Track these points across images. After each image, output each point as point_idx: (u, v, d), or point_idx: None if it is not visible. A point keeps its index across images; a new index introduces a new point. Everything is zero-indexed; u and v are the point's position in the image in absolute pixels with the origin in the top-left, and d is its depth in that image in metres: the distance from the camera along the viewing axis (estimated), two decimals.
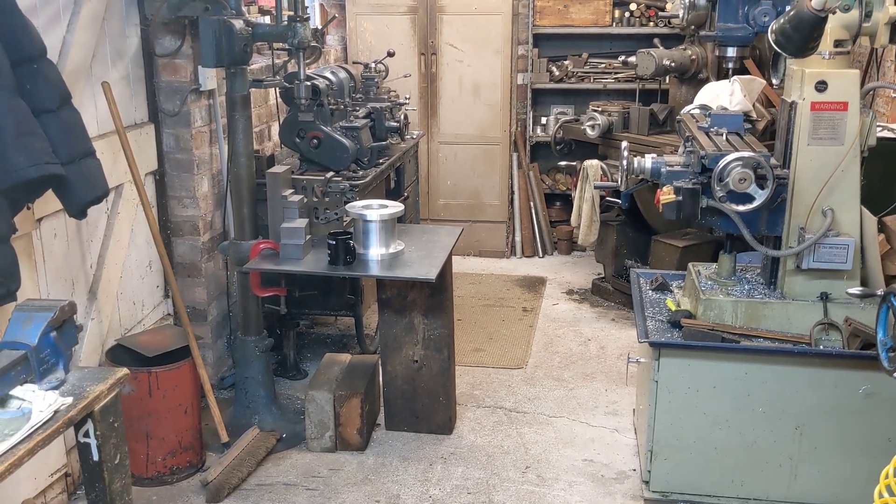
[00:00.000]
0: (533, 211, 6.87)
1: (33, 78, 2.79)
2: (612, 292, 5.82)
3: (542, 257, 6.88)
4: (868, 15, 3.14)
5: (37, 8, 3.24)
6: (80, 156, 2.97)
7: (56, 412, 2.24)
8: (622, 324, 5.46)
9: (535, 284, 6.21)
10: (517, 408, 4.39)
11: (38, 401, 2.22)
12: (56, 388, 2.36)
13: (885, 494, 2.15)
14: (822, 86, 3.23)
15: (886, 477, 2.17)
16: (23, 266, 2.96)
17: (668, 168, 3.40)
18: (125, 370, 2.55)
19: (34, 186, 2.77)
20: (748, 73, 5.25)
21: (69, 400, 2.30)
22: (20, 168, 2.63)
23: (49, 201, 3.10)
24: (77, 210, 3.06)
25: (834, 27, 3.16)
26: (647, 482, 3.57)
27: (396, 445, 4.03)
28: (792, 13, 2.89)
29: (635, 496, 3.61)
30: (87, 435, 2.39)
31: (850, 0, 3.08)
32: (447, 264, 3.87)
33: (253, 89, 3.99)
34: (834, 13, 2.93)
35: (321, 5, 6.56)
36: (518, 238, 6.88)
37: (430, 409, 4.10)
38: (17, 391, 2.26)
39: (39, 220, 3.26)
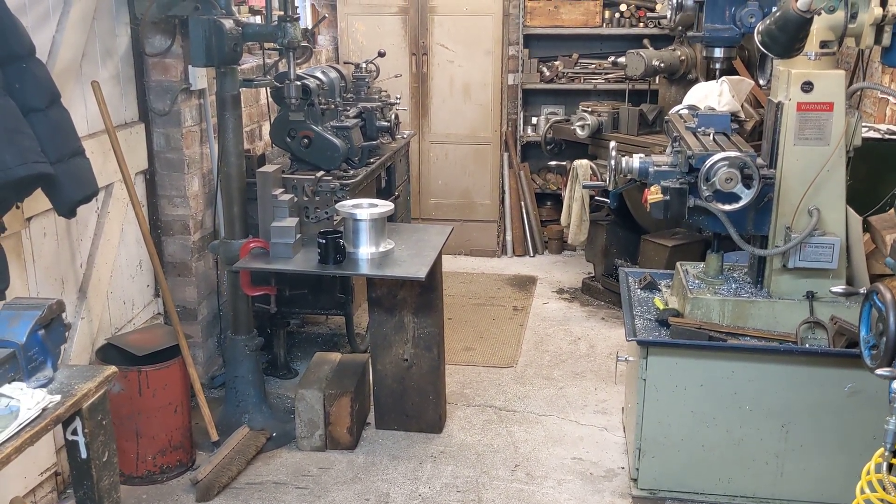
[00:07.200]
0: (523, 210, 6.89)
1: (21, 77, 2.80)
2: (602, 291, 5.84)
3: (533, 256, 6.90)
4: (853, 16, 3.15)
5: (26, 7, 3.24)
6: (69, 155, 2.97)
7: (44, 410, 2.24)
8: (612, 323, 5.48)
9: (525, 283, 6.23)
10: (507, 406, 4.41)
11: (27, 399, 2.23)
12: (44, 385, 2.37)
13: (867, 490, 2.18)
14: (807, 86, 3.25)
15: (868, 473, 2.19)
16: (12, 265, 2.97)
17: (655, 168, 3.42)
18: (113, 368, 2.56)
19: (23, 185, 2.77)
20: (737, 73, 5.27)
21: (57, 398, 2.31)
22: (8, 167, 2.63)
23: (38, 200, 3.10)
24: (66, 209, 3.06)
25: (820, 28, 3.18)
26: (635, 480, 3.59)
27: (386, 444, 4.04)
28: (778, 14, 2.91)
29: (623, 494, 3.63)
30: (75, 433, 2.40)
31: (836, 1, 3.09)
32: (437, 263, 3.88)
33: (244, 89, 4.00)
34: (819, 14, 2.95)
35: (312, 5, 6.56)
36: (509, 237, 6.90)
37: (420, 408, 4.11)
38: (6, 389, 2.27)
39: (29, 219, 3.26)
